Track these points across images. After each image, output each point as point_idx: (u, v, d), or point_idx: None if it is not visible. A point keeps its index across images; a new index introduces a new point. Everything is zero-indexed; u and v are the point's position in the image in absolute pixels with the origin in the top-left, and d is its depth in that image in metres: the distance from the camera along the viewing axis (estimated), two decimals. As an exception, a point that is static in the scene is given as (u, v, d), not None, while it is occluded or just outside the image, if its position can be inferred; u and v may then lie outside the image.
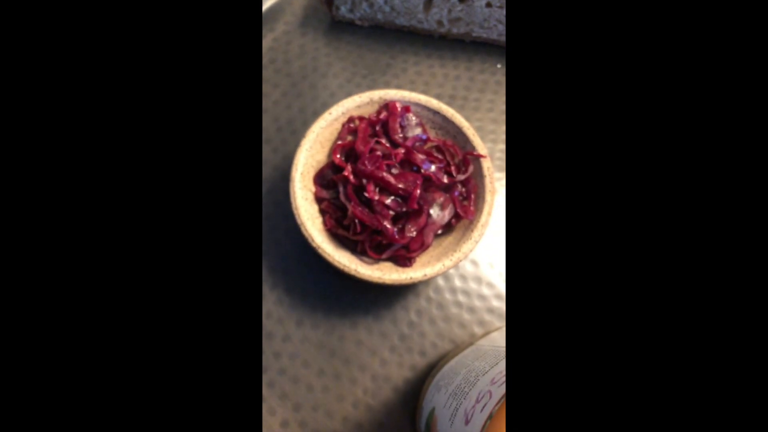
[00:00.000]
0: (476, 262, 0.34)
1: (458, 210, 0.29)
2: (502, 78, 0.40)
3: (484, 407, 0.16)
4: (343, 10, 0.39)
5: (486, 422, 0.15)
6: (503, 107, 0.39)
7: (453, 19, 0.39)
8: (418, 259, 0.30)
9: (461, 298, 0.33)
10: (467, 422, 0.16)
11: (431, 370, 0.31)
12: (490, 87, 0.40)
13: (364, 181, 0.28)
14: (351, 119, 0.32)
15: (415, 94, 0.32)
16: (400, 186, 0.28)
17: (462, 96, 0.39)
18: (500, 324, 0.33)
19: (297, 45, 0.40)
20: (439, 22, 0.39)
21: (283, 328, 0.32)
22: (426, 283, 0.33)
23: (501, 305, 0.33)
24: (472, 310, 0.33)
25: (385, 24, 0.40)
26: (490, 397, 0.16)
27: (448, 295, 0.33)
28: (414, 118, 0.32)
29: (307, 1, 0.42)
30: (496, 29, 0.39)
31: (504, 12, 0.37)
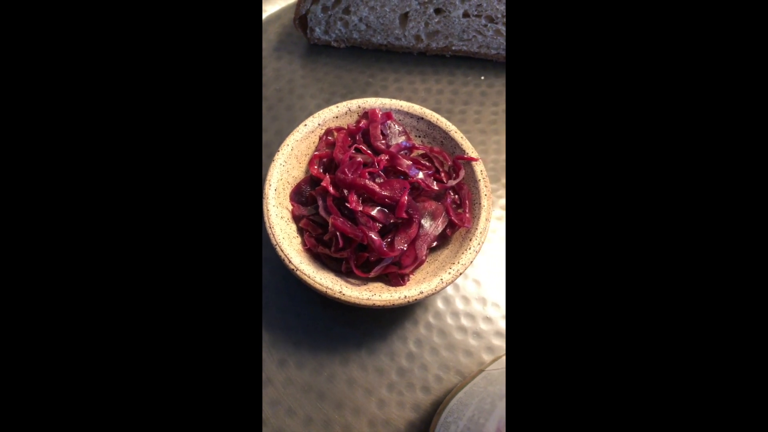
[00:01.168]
0: (478, 281, 0.31)
1: (452, 218, 0.26)
2: (486, 89, 0.38)
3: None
4: (318, 31, 0.38)
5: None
6: (491, 117, 0.37)
7: (431, 33, 0.38)
8: (412, 277, 0.26)
9: (465, 322, 0.29)
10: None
11: (437, 408, 0.27)
12: (475, 99, 0.38)
13: (346, 191, 0.25)
14: (329, 131, 0.29)
15: (396, 101, 0.30)
16: (386, 194, 0.25)
17: (447, 109, 0.37)
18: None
19: (272, 69, 0.39)
20: (417, 37, 0.38)
21: (263, 370, 0.28)
22: (424, 307, 0.30)
23: (510, 327, 0.29)
24: (478, 335, 0.29)
25: (362, 44, 0.39)
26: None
27: (449, 320, 0.29)
28: (397, 126, 0.29)
29: (281, 27, 0.41)
30: (476, 41, 0.38)
31: (482, 21, 0.36)
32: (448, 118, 0.37)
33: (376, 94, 0.38)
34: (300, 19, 0.37)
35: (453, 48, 0.38)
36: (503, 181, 0.34)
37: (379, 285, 0.26)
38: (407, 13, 0.36)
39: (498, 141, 0.36)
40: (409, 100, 0.38)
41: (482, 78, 0.39)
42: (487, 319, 0.30)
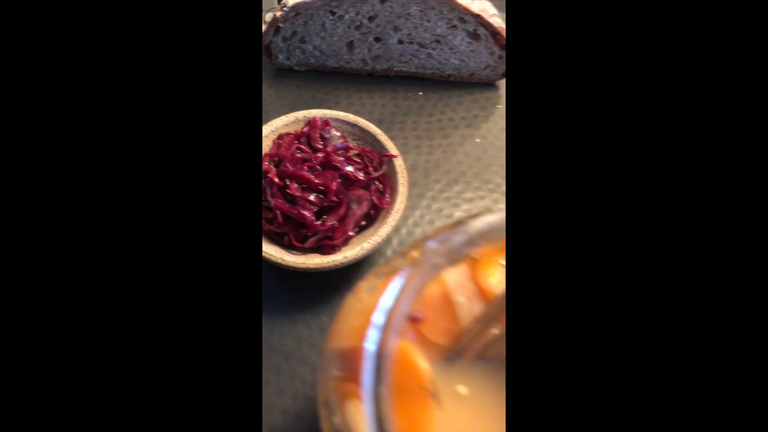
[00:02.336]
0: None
1: (375, 201, 0.33)
2: (423, 103, 0.46)
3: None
4: (281, 57, 0.46)
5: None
6: (426, 126, 0.44)
7: (374, 57, 0.45)
8: (343, 249, 0.33)
9: (394, 290, 0.36)
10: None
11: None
12: (413, 111, 0.45)
13: (288, 181, 0.32)
14: (280, 136, 0.36)
15: (335, 112, 0.37)
16: (319, 182, 0.32)
17: (389, 120, 0.44)
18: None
19: (243, 90, 0.46)
20: (363, 61, 0.45)
21: (226, 330, 0.34)
22: (359, 276, 0.36)
23: (432, 294, 0.36)
24: (404, 300, 0.35)
25: (319, 67, 0.46)
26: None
27: (381, 288, 0.36)
28: (336, 132, 0.36)
29: (252, 55, 0.49)
30: (413, 63, 0.45)
31: (414, 47, 0.44)
32: (390, 127, 0.44)
33: (330, 109, 0.45)
34: (265, 47, 0.45)
35: (395, 69, 0.46)
36: (434, 176, 0.41)
37: (315, 255, 0.32)
38: (352, 41, 0.44)
39: (430, 144, 0.43)
40: (357, 112, 0.45)
41: (420, 93, 0.46)
42: (413, 288, 0.36)
